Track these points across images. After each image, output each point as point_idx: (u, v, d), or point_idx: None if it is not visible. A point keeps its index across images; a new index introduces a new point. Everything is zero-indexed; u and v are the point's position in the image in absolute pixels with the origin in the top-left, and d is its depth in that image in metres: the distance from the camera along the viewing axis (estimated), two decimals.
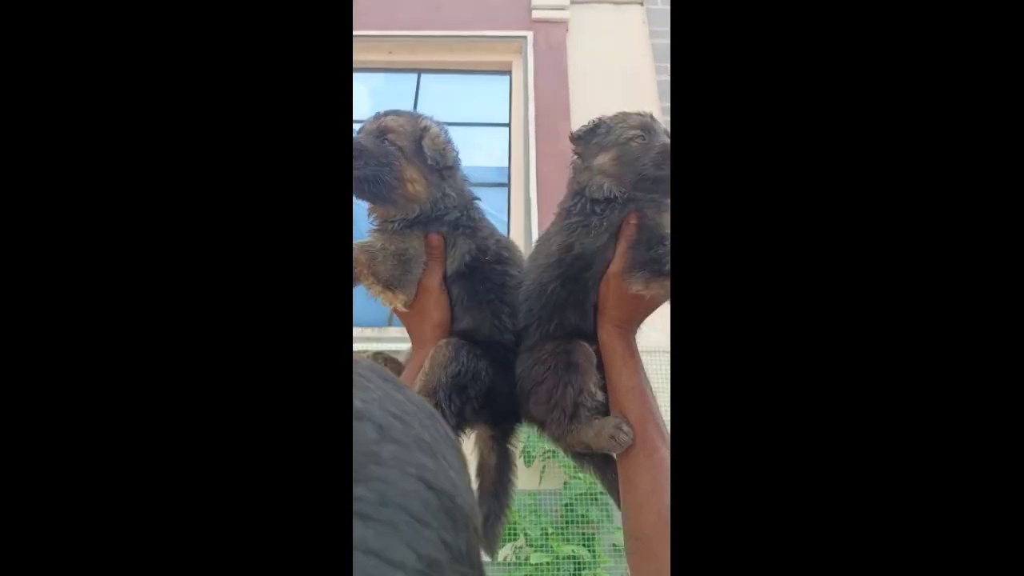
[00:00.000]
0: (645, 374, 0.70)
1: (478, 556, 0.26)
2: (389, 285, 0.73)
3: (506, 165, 3.47)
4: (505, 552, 2.17)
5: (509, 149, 3.49)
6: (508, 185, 3.40)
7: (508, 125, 3.59)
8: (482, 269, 0.77)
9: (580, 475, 2.24)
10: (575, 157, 0.80)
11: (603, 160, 0.77)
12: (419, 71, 3.82)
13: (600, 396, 0.69)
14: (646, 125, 0.77)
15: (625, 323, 0.73)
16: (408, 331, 0.78)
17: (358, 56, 3.41)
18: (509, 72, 3.72)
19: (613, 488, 0.71)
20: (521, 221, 3.08)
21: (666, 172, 0.73)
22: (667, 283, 0.70)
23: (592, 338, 0.73)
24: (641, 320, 0.74)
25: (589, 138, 0.79)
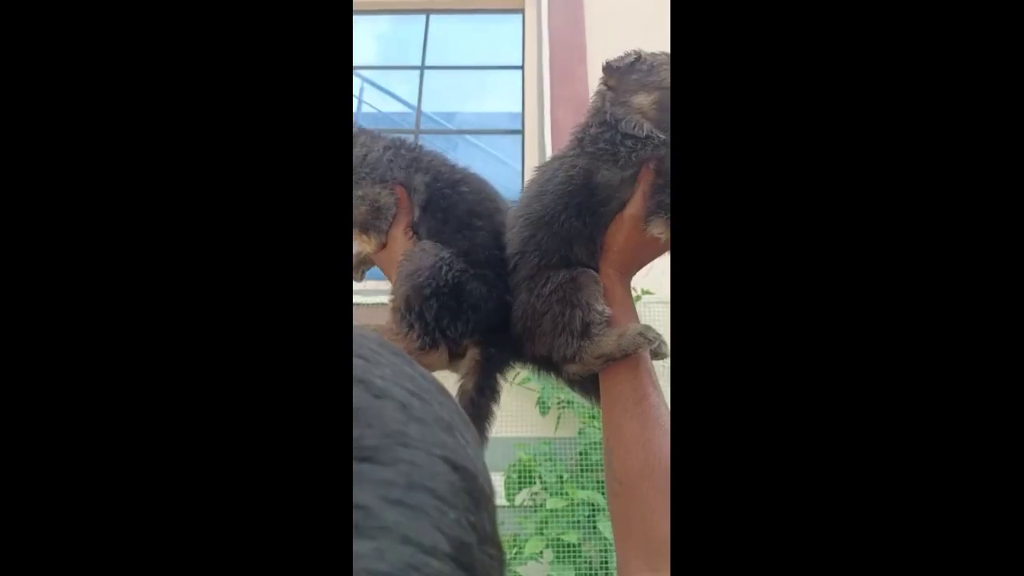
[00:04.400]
0: (638, 320, 0.71)
1: (499, 536, 0.25)
2: (364, 229, 0.79)
3: (519, 110, 3.37)
4: (522, 497, 2.23)
5: (523, 93, 3.38)
6: (522, 131, 3.31)
7: (521, 68, 3.46)
8: (442, 197, 0.81)
9: (595, 423, 2.28)
10: (603, 87, 0.76)
11: (642, 100, 0.73)
12: (427, 12, 3.67)
13: (608, 312, 0.68)
14: None
15: (628, 268, 0.74)
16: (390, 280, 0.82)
17: None
18: (522, 11, 3.56)
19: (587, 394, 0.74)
20: None
21: None
22: None
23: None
24: (640, 267, 0.75)
25: (627, 73, 0.75)
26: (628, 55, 0.76)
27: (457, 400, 0.77)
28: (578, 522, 2.12)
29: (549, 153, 2.86)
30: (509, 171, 3.41)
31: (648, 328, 0.66)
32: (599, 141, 0.72)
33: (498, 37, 3.64)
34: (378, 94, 3.62)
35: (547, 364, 0.74)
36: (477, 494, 0.24)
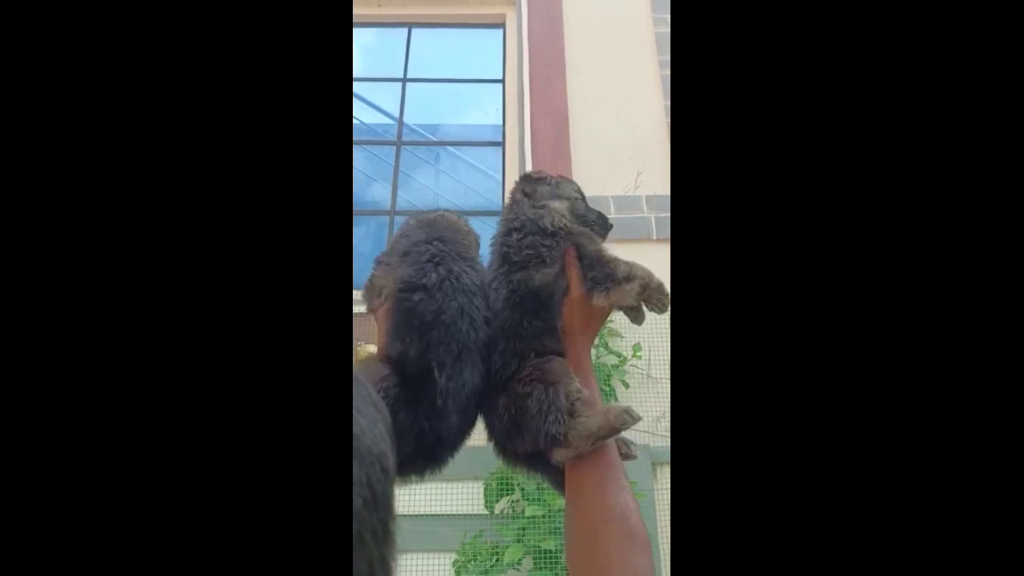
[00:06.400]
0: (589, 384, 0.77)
1: (383, 489, 0.29)
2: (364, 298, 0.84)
3: (500, 123, 3.40)
4: (501, 505, 2.23)
5: (504, 106, 3.41)
6: (503, 143, 3.35)
7: (502, 81, 3.50)
8: (405, 298, 0.77)
9: None
10: (521, 194, 0.89)
11: (558, 205, 0.86)
12: (410, 25, 3.70)
13: (585, 392, 0.73)
14: (582, 192, 0.91)
15: (589, 337, 0.82)
16: None
17: None
18: (503, 25, 3.61)
19: (560, 487, 0.76)
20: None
21: (604, 231, 0.89)
22: (620, 288, 0.79)
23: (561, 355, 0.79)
24: (597, 332, 0.85)
25: (540, 184, 0.88)
26: (538, 173, 0.92)
27: None
28: (557, 529, 2.12)
29: (529, 165, 2.90)
30: (491, 182, 3.44)
31: (630, 407, 0.71)
32: (523, 248, 0.82)
33: (479, 51, 3.68)
34: (361, 105, 3.63)
35: (532, 460, 0.78)
36: (360, 451, 0.28)
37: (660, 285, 0.78)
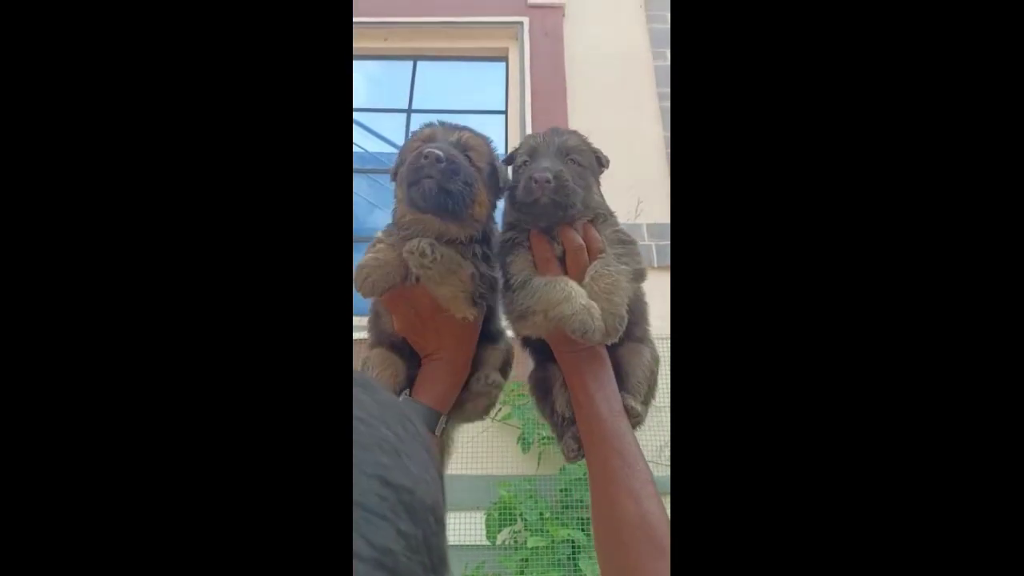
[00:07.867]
0: (601, 383, 0.75)
1: (439, 544, 0.28)
2: (477, 303, 0.77)
3: (503, 153, 3.46)
4: (503, 536, 2.20)
5: (506, 137, 3.47)
6: None
7: (504, 112, 3.57)
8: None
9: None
10: None
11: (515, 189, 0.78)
12: (415, 58, 3.78)
13: (568, 412, 0.78)
14: (533, 148, 0.78)
15: (561, 348, 0.77)
16: (427, 342, 0.81)
17: (354, 43, 3.37)
18: (506, 59, 3.69)
19: None
20: None
21: (533, 198, 0.73)
22: (524, 321, 0.73)
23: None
24: (567, 341, 0.75)
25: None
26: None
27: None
28: (559, 561, 2.09)
29: None
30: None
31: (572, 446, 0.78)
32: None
33: (482, 83, 3.76)
34: (367, 135, 3.70)
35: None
36: (415, 507, 0.27)
37: (560, 319, 0.68)
